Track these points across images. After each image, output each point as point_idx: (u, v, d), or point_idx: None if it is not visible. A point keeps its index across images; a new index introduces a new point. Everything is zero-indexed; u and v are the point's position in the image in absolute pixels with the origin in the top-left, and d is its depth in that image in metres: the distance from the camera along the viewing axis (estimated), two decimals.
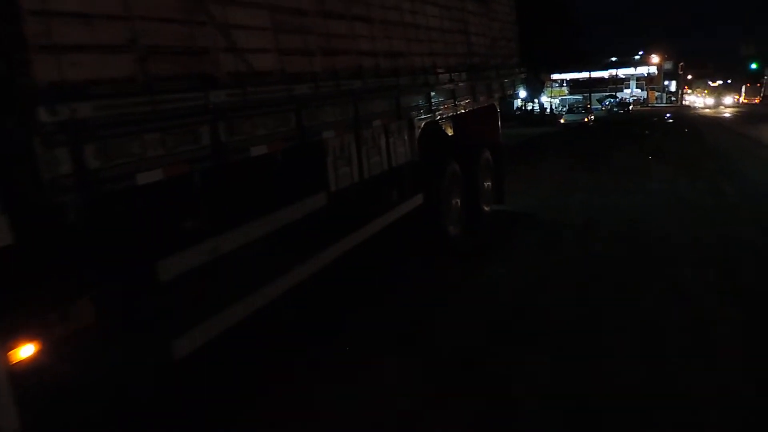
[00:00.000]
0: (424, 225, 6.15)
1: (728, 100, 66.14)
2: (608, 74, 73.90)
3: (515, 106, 50.19)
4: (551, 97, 60.86)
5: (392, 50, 5.18)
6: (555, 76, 63.60)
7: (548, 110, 51.45)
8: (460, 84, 6.91)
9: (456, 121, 7.67)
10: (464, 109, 7.13)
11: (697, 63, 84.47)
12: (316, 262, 3.98)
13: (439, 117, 6.33)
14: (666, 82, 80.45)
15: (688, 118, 38.75)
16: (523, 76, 10.41)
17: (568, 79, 66.34)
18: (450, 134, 7.44)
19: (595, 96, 59.93)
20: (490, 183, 8.47)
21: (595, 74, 65.33)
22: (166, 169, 2.77)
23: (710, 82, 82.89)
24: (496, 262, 6.36)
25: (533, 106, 48.71)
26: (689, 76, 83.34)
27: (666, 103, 73.53)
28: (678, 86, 79.38)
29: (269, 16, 3.58)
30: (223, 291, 3.19)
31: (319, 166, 4.23)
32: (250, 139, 3.36)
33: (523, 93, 33.08)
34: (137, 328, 2.77)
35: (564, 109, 41.11)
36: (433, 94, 6.06)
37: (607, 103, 58.72)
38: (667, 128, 29.53)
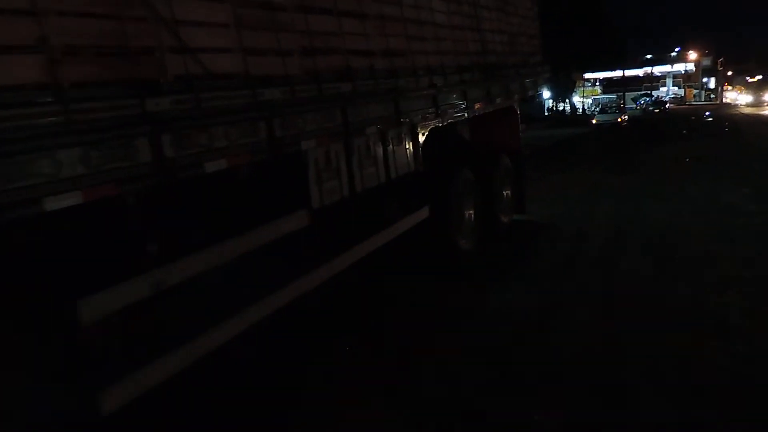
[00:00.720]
0: (431, 240, 5.62)
1: None
2: (643, 72, 71.86)
3: (547, 106, 49.29)
4: (583, 96, 59.44)
5: (390, 49, 4.67)
6: (588, 75, 62.21)
7: (580, 110, 50.21)
8: (473, 85, 6.36)
9: (469, 125, 7.09)
10: (478, 112, 6.57)
11: (738, 58, 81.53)
12: (291, 291, 3.49)
13: (448, 121, 5.78)
14: (704, 79, 77.75)
15: (729, 116, 37.13)
16: (547, 75, 9.75)
17: (601, 78, 64.79)
18: (462, 139, 6.86)
19: (630, 95, 58.28)
20: (509, 191, 7.87)
21: (630, 72, 63.52)
22: (87, 192, 2.33)
23: (748, 78, 77.02)
24: (510, 283, 5.71)
25: (564, 107, 47.57)
26: (729, 72, 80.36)
27: (705, 100, 71.03)
28: (717, 83, 76.69)
29: (231, 11, 3.12)
30: (168, 331, 2.74)
31: (299, 180, 3.75)
32: (206, 152, 2.90)
33: (547, 93, 32.11)
34: (55, 380, 2.33)
35: (596, 109, 39.86)
36: (440, 96, 5.52)
37: (642, 102, 56.99)
38: (707, 128, 28.24)
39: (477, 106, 6.54)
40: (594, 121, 32.74)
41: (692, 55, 73.93)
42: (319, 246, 3.93)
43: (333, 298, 4.61)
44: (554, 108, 49.46)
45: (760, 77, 73.99)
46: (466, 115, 6.31)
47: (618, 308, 4.89)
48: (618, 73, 56.56)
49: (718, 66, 76.59)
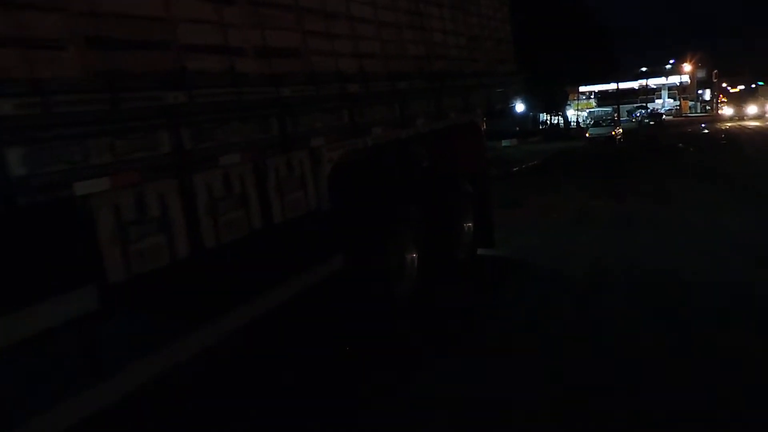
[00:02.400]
0: (352, 295, 4.29)
1: (752, 109, 53.26)
2: (638, 85, 71.06)
3: (540, 119, 48.21)
4: (578, 110, 58.46)
5: (268, 46, 3.37)
6: (583, 89, 61.31)
7: (574, 124, 49.15)
8: (413, 96, 5.07)
9: (412, 146, 5.73)
10: (423, 130, 5.27)
11: (732, 70, 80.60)
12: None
13: (374, 143, 4.48)
14: (699, 91, 76.85)
15: (725, 128, 35.98)
16: (520, 85, 8.47)
17: (596, 90, 63.86)
18: (401, 165, 5.49)
19: (625, 108, 57.22)
20: (470, 224, 6.55)
21: (625, 85, 62.68)
22: None
23: (729, 87, 68.52)
24: (447, 364, 4.13)
25: (558, 120, 46.46)
26: (724, 84, 79.44)
27: (700, 112, 70.00)
28: (713, 95, 75.78)
29: None
30: None
31: (82, 240, 2.42)
32: None
33: (521, 106, 30.79)
34: None
35: (591, 122, 38.70)
36: (358, 111, 4.22)
37: (637, 115, 55.89)
38: (703, 141, 27.04)
39: (419, 122, 5.24)
40: (587, 135, 31.48)
41: (687, 67, 73.20)
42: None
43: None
44: (548, 122, 48.42)
45: (742, 87, 66.99)
46: (404, 134, 5.00)
47: (596, 410, 3.42)
48: (613, 86, 55.59)
49: (713, 78, 75.78)
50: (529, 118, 45.69)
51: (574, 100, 58.36)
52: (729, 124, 38.34)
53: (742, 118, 41.58)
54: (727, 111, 51.36)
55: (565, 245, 7.29)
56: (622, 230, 7.93)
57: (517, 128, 42.47)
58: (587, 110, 59.63)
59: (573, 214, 9.41)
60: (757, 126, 37.47)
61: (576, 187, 12.90)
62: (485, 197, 6.86)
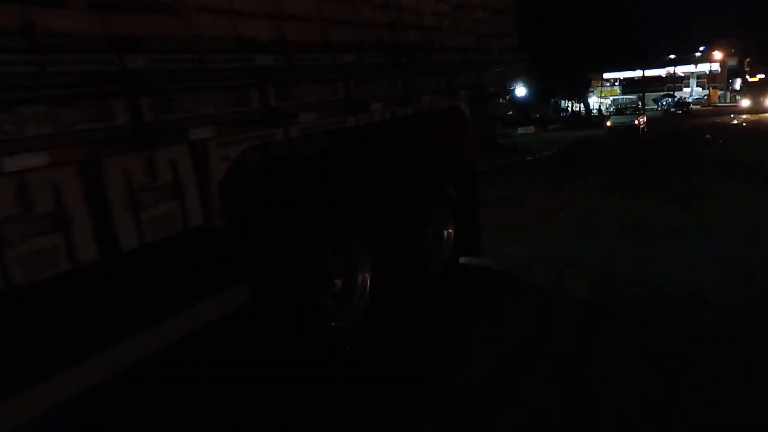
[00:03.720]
0: (252, 343, 3.29)
1: None
2: (666, 72, 68.40)
3: (562, 106, 46.50)
4: (601, 97, 56.52)
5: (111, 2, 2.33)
6: (607, 75, 59.13)
7: (596, 111, 47.48)
8: (366, 73, 3.98)
9: (359, 137, 4.55)
10: (377, 117, 4.18)
11: (766, 58, 77.06)
12: None
13: (295, 134, 3.41)
14: (730, 80, 73.74)
15: (756, 118, 34.00)
16: (522, 64, 7.30)
17: (621, 78, 61.55)
18: (339, 162, 4.30)
19: (651, 95, 54.98)
20: (450, 230, 5.48)
21: (651, 72, 60.24)
22: None
23: (747, 76, 60.48)
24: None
25: (579, 107, 44.71)
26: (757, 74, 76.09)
27: (730, 102, 67.10)
28: (744, 84, 72.59)
29: None
30: None
31: None
32: None
33: (522, 90, 29.04)
34: None
35: (613, 110, 37.07)
36: (273, 91, 3.16)
37: (663, 103, 53.63)
38: (733, 131, 25.35)
39: (377, 107, 4.16)
40: (609, 124, 29.96)
41: (717, 54, 70.20)
42: None
43: None
44: (568, 109, 46.73)
45: (761, 76, 59.88)
46: (351, 122, 3.92)
47: None
48: (639, 73, 53.43)
49: (745, 66, 72.62)
50: (550, 105, 44.13)
51: (598, 86, 56.48)
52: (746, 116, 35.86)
53: (759, 110, 36.13)
54: (744, 102, 45.49)
55: (567, 255, 6.16)
56: (636, 237, 6.76)
57: (537, 115, 41.05)
58: (611, 97, 57.68)
59: (582, 215, 8.25)
60: None
61: (589, 181, 11.69)
62: (471, 197, 5.77)
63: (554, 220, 7.95)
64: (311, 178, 3.80)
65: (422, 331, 4.32)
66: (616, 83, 61.62)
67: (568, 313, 4.57)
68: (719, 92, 70.40)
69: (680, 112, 45.73)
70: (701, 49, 72.31)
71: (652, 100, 53.90)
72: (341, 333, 3.92)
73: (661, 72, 67.84)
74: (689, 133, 24.32)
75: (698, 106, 57.71)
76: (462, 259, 5.83)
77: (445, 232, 5.45)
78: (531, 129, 30.96)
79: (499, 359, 3.84)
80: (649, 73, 54.48)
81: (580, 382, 3.49)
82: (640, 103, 37.98)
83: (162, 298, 2.79)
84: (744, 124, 28.10)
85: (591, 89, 48.81)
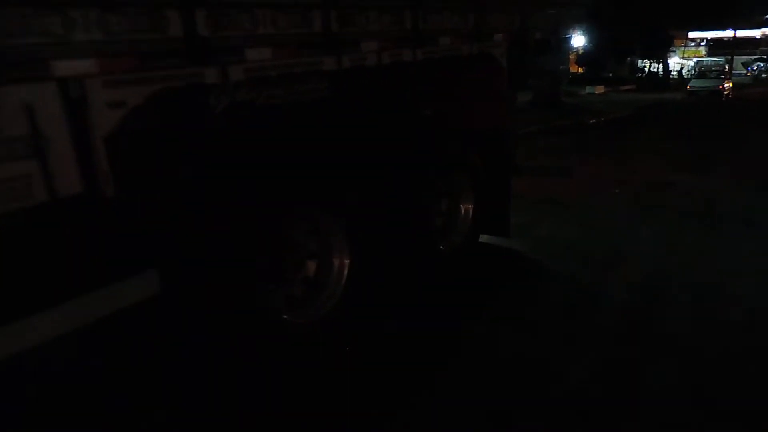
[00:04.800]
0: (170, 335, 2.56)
1: None
2: (761, 34, 62.27)
3: (638, 66, 43.19)
4: (683, 57, 52.22)
5: None
6: (693, 34, 54.40)
7: (676, 73, 43.91)
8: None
9: (342, 86, 3.35)
10: (369, 62, 3.25)
11: None
12: None
13: (241, 76, 2.55)
14: None
15: None
16: (581, 8, 6.07)
17: (708, 38, 56.49)
18: (313, 115, 3.31)
19: (740, 59, 50.18)
20: (470, 205, 4.55)
21: (743, 33, 54.88)
22: None
23: None
24: None
25: (658, 68, 41.32)
26: None
27: None
28: None
29: None
30: None
31: None
32: None
33: (580, 40, 26.22)
34: None
35: (694, 72, 33.93)
36: (190, 12, 2.31)
37: (754, 68, 48.89)
38: None
39: (370, 47, 3.23)
40: (688, 87, 27.27)
41: None
42: None
43: None
44: (646, 69, 43.37)
45: None
46: (329, 64, 3.01)
47: None
48: (728, 33, 48.69)
49: None
50: (626, 64, 41.07)
51: (681, 46, 52.23)
52: None
53: None
54: None
55: (613, 243, 5.12)
56: (703, 226, 5.60)
57: (610, 74, 38.30)
58: (695, 58, 53.16)
59: (641, 192, 7.07)
60: None
61: (655, 152, 10.29)
62: (501, 166, 4.80)
63: (607, 197, 6.82)
64: (263, 136, 2.95)
65: (400, 339, 3.47)
66: (702, 43, 56.69)
67: (598, 325, 3.61)
68: None
69: None
70: None
71: (741, 64, 49.24)
72: (304, 331, 3.15)
73: (756, 33, 61.85)
74: None
75: None
76: (486, 239, 4.93)
77: (463, 207, 4.54)
78: (600, 89, 28.69)
79: (501, 381, 2.97)
80: (740, 33, 49.59)
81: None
82: (726, 67, 34.38)
83: (22, 289, 2.08)
84: None
85: (672, 48, 45.09)
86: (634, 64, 42.80)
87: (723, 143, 11.48)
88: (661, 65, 40.61)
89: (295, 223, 3.22)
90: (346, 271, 3.39)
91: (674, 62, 47.34)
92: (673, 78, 40.84)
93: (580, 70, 38.89)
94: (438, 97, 4.23)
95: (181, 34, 2.31)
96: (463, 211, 4.54)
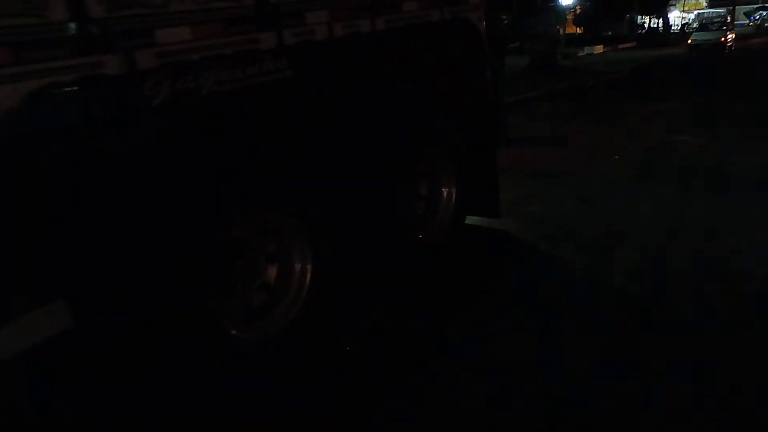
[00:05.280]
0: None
1: None
2: None
3: (638, 21, 42.04)
4: (684, 11, 50.89)
5: None
6: None
7: (677, 28, 42.82)
8: None
9: (282, 66, 2.81)
10: (321, 34, 2.82)
11: None
12: None
13: (152, 63, 2.14)
14: None
15: None
16: None
17: None
18: (240, 103, 2.79)
19: (743, 9, 48.80)
20: (452, 188, 4.15)
21: None
22: None
23: None
24: None
25: (657, 23, 40.20)
26: None
27: None
28: None
29: None
30: None
31: None
32: None
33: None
34: None
35: (695, 26, 32.94)
36: None
37: (756, 17, 47.56)
38: None
39: (315, 19, 2.80)
40: (689, 42, 26.42)
41: None
42: None
43: None
44: (646, 25, 42.27)
45: None
46: (266, 42, 2.59)
47: None
48: None
49: None
50: (624, 21, 39.96)
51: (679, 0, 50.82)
52: None
53: None
54: None
55: (613, 219, 4.71)
56: (711, 193, 5.17)
57: (609, 33, 37.30)
58: (696, 11, 51.79)
59: (643, 158, 6.63)
60: None
61: (657, 112, 9.79)
62: (486, 141, 4.38)
63: (606, 165, 6.39)
64: (203, 128, 2.55)
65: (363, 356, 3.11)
66: None
67: (604, 313, 3.22)
68: None
69: None
70: None
71: (744, 14, 47.91)
72: (257, 349, 2.79)
73: None
74: None
75: None
76: (475, 220, 4.56)
77: (445, 190, 4.13)
78: (599, 48, 27.87)
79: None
80: None
81: None
82: (728, 18, 33.36)
83: None
84: None
85: (672, 2, 43.88)
86: (633, 21, 41.65)
87: (727, 99, 10.95)
88: (660, 20, 39.49)
89: (245, 226, 2.84)
90: (308, 276, 3.02)
91: (674, 16, 46.16)
92: (674, 33, 39.78)
93: (579, 31, 37.88)
94: (408, 71, 3.78)
95: (66, 18, 1.90)
96: (445, 195, 4.14)
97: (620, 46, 30.77)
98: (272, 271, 3.03)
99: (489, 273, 3.95)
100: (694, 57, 22.57)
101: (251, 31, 2.52)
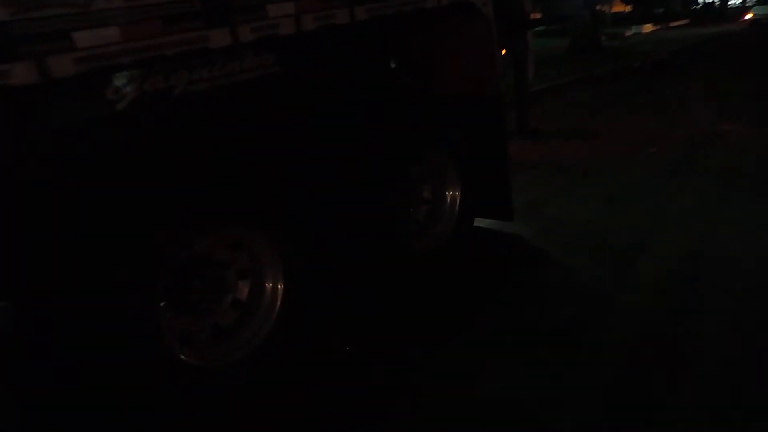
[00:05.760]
0: None
1: None
2: None
3: None
4: None
5: None
6: None
7: (737, 2, 40.44)
8: None
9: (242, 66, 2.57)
10: (286, 29, 2.52)
11: None
12: None
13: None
14: None
15: None
16: None
17: None
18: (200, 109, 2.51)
19: None
20: (456, 192, 3.80)
21: None
22: None
23: None
24: None
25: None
26: None
27: None
28: None
29: None
30: None
31: None
32: None
33: None
34: None
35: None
36: None
37: None
38: None
39: (277, 12, 2.49)
40: (747, 17, 24.77)
41: None
42: None
43: None
44: (701, 1, 40.08)
45: None
46: (219, 38, 2.31)
47: None
48: None
49: None
50: None
51: None
52: None
53: None
54: None
55: (641, 223, 4.24)
56: (754, 195, 4.61)
57: (662, 10, 35.53)
58: None
59: (683, 152, 6.06)
60: None
61: (702, 97, 9.06)
62: (494, 140, 4.00)
63: (640, 159, 5.87)
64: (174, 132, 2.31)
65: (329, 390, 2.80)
66: None
67: (601, 363, 2.76)
68: None
69: None
70: None
71: None
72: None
73: None
74: None
75: None
76: (486, 223, 4.20)
77: (448, 194, 3.79)
78: (648, 27, 26.51)
79: None
80: None
81: None
82: None
83: None
84: None
85: None
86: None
87: None
88: None
89: (213, 242, 2.60)
90: (280, 295, 2.75)
91: None
92: (733, 7, 37.57)
93: (628, 9, 36.16)
94: (404, 63, 3.44)
95: None
96: (448, 199, 3.79)
97: (672, 23, 29.23)
98: (244, 288, 2.78)
99: (484, 290, 3.51)
100: (753, 35, 21.10)
101: (196, 29, 2.23)
